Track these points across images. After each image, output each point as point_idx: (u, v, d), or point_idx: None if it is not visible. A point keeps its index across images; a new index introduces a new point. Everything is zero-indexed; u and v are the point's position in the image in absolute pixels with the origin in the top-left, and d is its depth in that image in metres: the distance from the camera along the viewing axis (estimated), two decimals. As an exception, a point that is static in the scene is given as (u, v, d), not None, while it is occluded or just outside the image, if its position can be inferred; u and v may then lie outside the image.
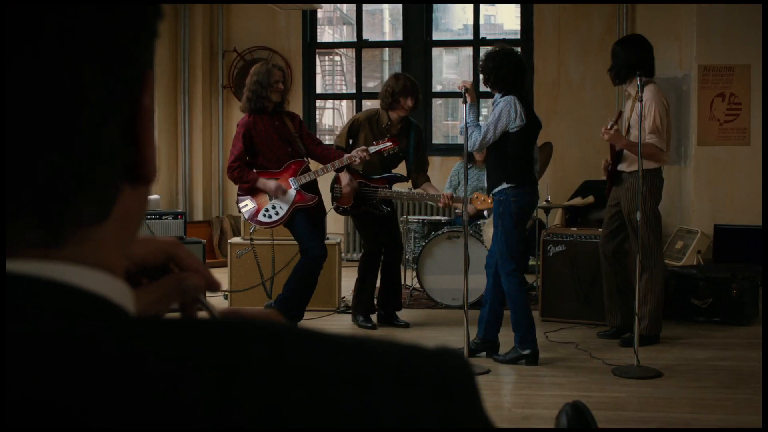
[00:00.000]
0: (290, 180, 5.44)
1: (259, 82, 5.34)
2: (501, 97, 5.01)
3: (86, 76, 0.47)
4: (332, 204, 5.86)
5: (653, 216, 5.34)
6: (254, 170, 5.45)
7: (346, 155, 5.47)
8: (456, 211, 7.12)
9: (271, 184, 5.37)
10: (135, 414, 0.43)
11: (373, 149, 5.48)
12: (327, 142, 5.92)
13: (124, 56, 0.49)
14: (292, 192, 5.43)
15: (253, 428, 0.44)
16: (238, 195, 5.55)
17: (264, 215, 5.45)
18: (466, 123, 4.86)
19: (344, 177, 5.70)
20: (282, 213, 5.43)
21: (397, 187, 5.83)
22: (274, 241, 6.30)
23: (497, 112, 4.96)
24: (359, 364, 0.48)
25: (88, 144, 0.48)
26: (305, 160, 5.50)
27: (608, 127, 5.29)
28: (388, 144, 5.52)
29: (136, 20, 0.50)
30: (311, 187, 5.52)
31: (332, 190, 5.85)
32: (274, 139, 5.42)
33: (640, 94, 4.89)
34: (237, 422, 0.44)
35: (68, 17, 0.46)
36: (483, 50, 5.39)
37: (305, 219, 5.43)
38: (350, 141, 5.86)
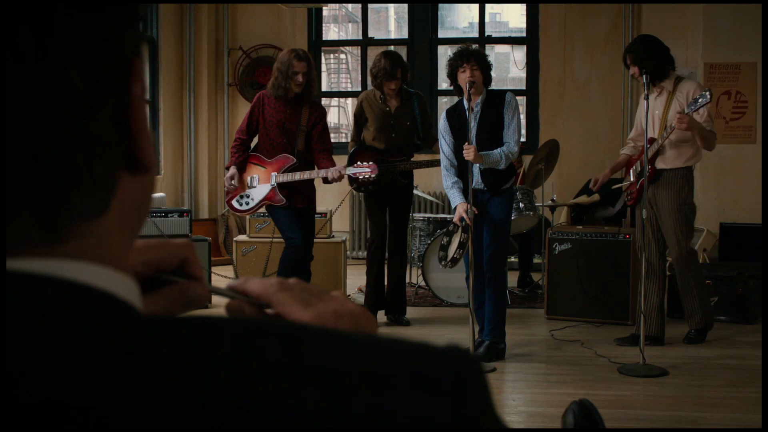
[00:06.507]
0: (272, 174, 5.47)
1: (280, 70, 5.37)
2: (486, 91, 5.06)
3: (69, 70, 0.46)
4: (352, 185, 5.87)
5: (692, 215, 5.36)
6: (250, 152, 5.57)
7: (323, 170, 5.39)
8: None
9: (230, 171, 5.53)
10: (149, 414, 0.43)
11: (350, 171, 5.39)
12: (333, 140, 5.88)
13: (107, 47, 0.48)
14: (267, 187, 5.47)
15: (267, 428, 0.44)
16: None
17: (238, 201, 5.59)
18: (502, 154, 4.93)
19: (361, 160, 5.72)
20: (252, 204, 5.54)
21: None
22: (273, 240, 6.30)
23: (516, 111, 5.04)
24: (372, 364, 0.47)
25: (78, 137, 0.47)
26: (292, 158, 5.44)
27: (685, 113, 5.08)
28: (367, 170, 5.39)
29: (116, 9, 0.49)
30: (304, 189, 5.47)
31: None
32: (274, 125, 5.43)
33: (645, 92, 4.89)
34: (251, 422, 0.44)
35: (44, 13, 0.45)
36: (455, 47, 5.28)
37: (286, 212, 5.46)
38: (362, 135, 5.91)
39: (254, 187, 5.50)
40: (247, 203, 5.55)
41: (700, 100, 4.99)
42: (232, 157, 5.59)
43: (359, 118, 5.94)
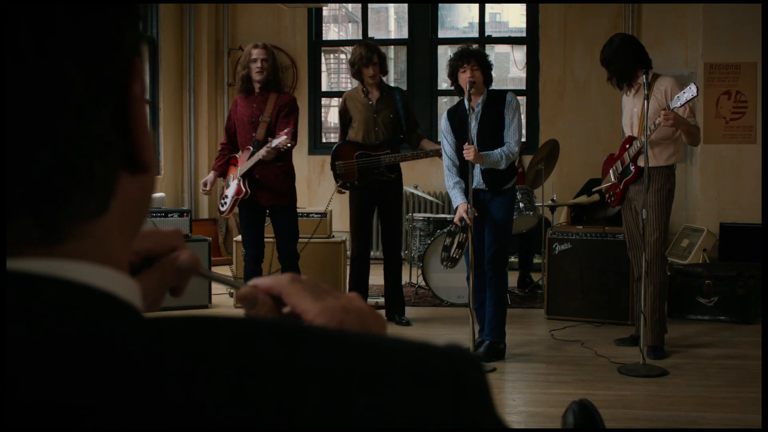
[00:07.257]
0: (238, 168, 5.50)
1: (241, 64, 5.45)
2: (487, 91, 5.05)
3: (69, 70, 0.46)
4: (337, 181, 5.84)
5: (668, 214, 5.21)
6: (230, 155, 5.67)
7: (261, 150, 5.32)
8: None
9: (207, 177, 5.69)
10: (149, 414, 0.43)
11: (274, 143, 5.24)
12: (332, 140, 5.89)
13: (107, 46, 0.49)
14: (235, 183, 5.52)
15: (267, 428, 0.44)
16: None
17: (221, 203, 5.69)
18: (502, 154, 4.92)
19: (344, 155, 5.74)
20: (228, 204, 5.58)
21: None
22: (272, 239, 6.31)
23: (517, 111, 5.04)
24: (373, 364, 0.47)
25: (78, 137, 0.47)
26: (249, 148, 5.45)
27: (670, 108, 4.87)
28: (283, 138, 5.22)
29: (116, 9, 0.49)
30: (270, 183, 5.42)
31: (333, 168, 5.85)
32: (244, 122, 5.47)
33: (645, 92, 4.86)
34: (250, 423, 0.44)
35: (44, 13, 0.45)
36: (455, 47, 5.26)
37: (247, 216, 5.51)
38: (348, 131, 5.91)
39: (229, 186, 5.59)
40: (225, 203, 5.62)
41: (686, 95, 4.81)
42: (214, 162, 5.73)
43: (344, 116, 5.95)
